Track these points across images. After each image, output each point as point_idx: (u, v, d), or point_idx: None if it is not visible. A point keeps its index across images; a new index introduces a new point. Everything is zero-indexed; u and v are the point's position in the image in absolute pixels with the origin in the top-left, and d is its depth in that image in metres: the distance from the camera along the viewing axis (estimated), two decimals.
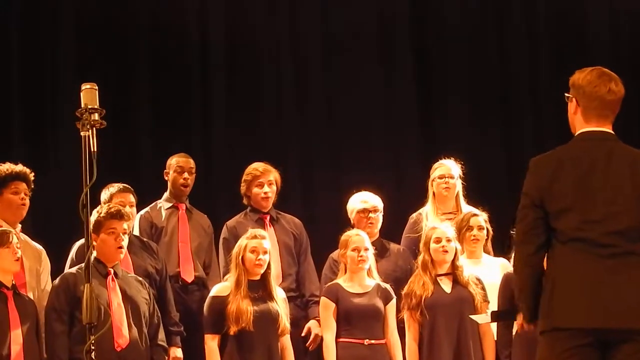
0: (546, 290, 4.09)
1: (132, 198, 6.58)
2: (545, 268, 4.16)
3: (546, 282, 4.10)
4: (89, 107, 4.62)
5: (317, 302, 6.68)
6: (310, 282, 6.87)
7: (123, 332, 5.67)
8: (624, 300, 3.97)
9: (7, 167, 6.00)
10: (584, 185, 4.05)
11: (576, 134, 4.21)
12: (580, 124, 4.19)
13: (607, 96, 4.13)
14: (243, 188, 6.95)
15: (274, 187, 6.92)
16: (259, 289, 6.21)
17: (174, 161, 7.04)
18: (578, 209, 4.04)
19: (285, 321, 6.22)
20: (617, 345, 4.00)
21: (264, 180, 6.89)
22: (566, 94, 4.23)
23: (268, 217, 6.93)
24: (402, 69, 8.81)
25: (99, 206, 5.92)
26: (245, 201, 6.96)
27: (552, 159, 4.15)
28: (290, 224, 7.00)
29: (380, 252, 6.76)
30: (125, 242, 5.90)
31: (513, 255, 4.48)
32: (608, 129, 4.16)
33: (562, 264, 4.06)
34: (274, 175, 6.93)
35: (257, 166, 6.95)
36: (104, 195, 6.55)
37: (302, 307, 6.82)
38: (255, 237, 6.27)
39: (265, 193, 6.88)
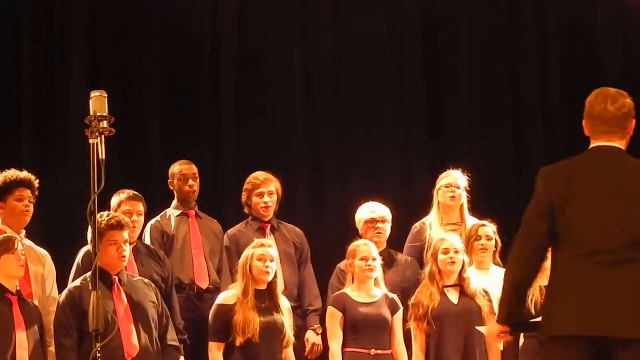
0: (545, 301, 4.23)
1: (140, 207, 6.53)
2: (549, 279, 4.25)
3: (547, 291, 4.24)
4: (98, 114, 4.62)
5: (314, 312, 6.73)
6: (309, 291, 6.87)
7: (132, 340, 5.65)
8: (619, 309, 4.01)
9: (12, 173, 5.99)
10: (593, 196, 4.14)
11: (588, 148, 4.34)
12: (590, 140, 4.34)
13: (604, 114, 4.27)
14: (244, 197, 6.96)
15: (275, 197, 6.92)
16: (265, 299, 6.21)
17: (176, 169, 7.01)
18: (582, 219, 4.11)
19: (289, 333, 6.22)
20: (614, 354, 4.02)
21: (264, 189, 6.89)
22: None
23: (269, 226, 6.92)
24: (413, 81, 8.81)
25: (99, 214, 5.79)
26: (246, 210, 6.96)
27: (563, 169, 4.27)
28: (291, 233, 7.00)
29: (388, 263, 6.76)
30: (127, 252, 5.85)
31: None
32: (617, 144, 4.27)
33: (561, 273, 4.15)
34: (274, 184, 6.92)
35: (257, 175, 6.95)
36: (114, 201, 6.52)
37: (302, 316, 6.81)
38: (261, 245, 6.28)
39: (265, 203, 6.88)
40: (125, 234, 5.83)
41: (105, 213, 5.91)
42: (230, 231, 6.94)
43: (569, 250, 4.12)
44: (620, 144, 4.27)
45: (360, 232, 6.84)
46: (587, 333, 4.01)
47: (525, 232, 4.23)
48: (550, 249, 4.26)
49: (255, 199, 6.89)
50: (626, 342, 4.00)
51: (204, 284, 6.79)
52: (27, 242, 5.99)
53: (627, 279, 4.04)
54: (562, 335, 4.05)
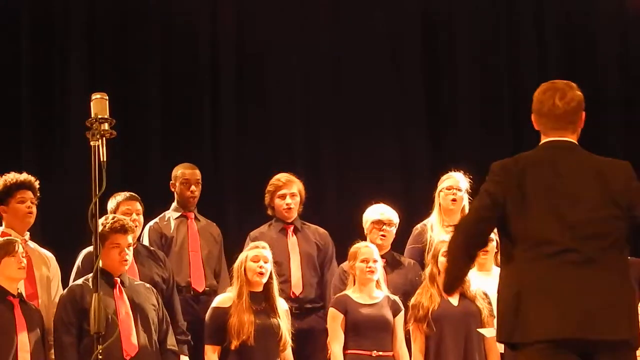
0: (509, 303, 3.97)
1: (138, 206, 6.53)
2: (502, 280, 4.08)
3: (508, 294, 4.00)
4: (99, 116, 4.63)
5: None
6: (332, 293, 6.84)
7: (132, 340, 5.66)
8: (596, 310, 3.88)
9: (12, 176, 5.99)
10: (549, 191, 3.99)
11: (540, 143, 4.19)
12: (541, 136, 4.19)
13: (554, 110, 4.12)
14: (267, 199, 6.95)
15: (297, 199, 6.90)
16: (262, 301, 6.22)
17: (179, 173, 7.00)
18: (543, 215, 3.95)
19: (286, 335, 6.22)
20: (594, 356, 3.90)
21: (286, 191, 6.88)
22: None
23: (291, 228, 6.92)
24: (413, 81, 8.82)
25: (104, 217, 5.83)
26: (269, 212, 6.96)
27: (516, 164, 4.09)
28: (314, 234, 6.98)
29: (391, 265, 6.75)
30: (129, 256, 5.85)
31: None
32: (569, 139, 4.12)
33: (527, 274, 3.95)
34: (297, 186, 6.92)
35: (280, 177, 6.94)
36: (111, 203, 6.51)
37: (324, 318, 6.77)
38: (256, 247, 6.29)
39: (287, 205, 6.87)
40: (130, 238, 5.84)
41: (110, 216, 5.94)
42: (252, 233, 6.91)
43: (531, 251, 3.94)
44: (572, 138, 4.12)
45: (365, 232, 6.82)
46: (567, 336, 3.86)
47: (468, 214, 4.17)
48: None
49: (277, 201, 6.89)
50: (606, 343, 3.89)
51: (200, 286, 6.80)
52: (32, 244, 6.00)
53: (597, 278, 3.89)
54: (541, 340, 3.88)
